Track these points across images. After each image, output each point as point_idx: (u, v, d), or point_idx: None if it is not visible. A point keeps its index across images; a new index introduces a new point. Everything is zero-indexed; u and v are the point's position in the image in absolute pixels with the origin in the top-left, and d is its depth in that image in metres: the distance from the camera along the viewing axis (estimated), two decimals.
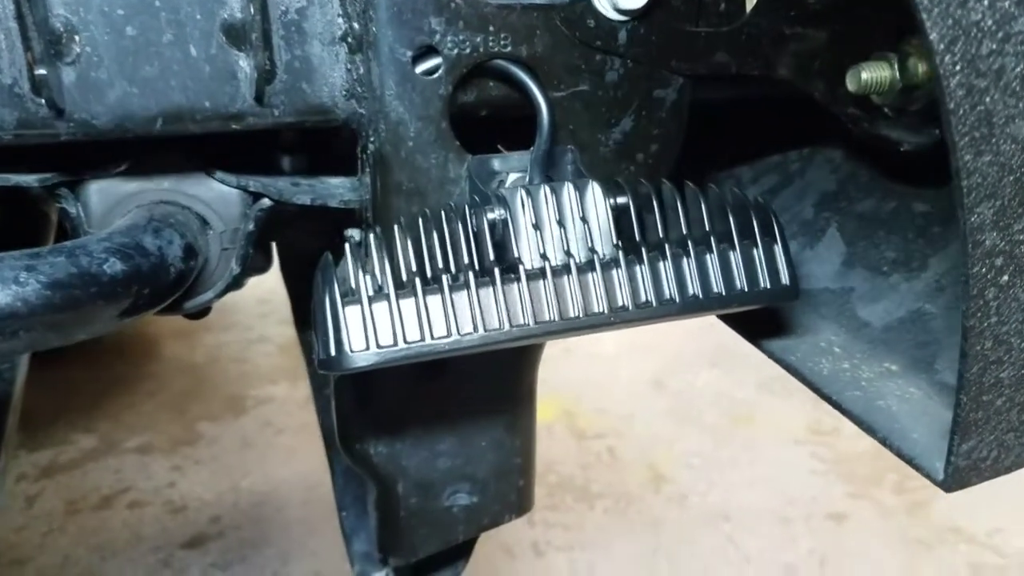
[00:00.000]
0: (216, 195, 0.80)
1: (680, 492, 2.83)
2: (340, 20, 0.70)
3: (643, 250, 0.66)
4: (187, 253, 0.75)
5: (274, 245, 1.26)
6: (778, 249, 0.69)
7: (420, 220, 0.67)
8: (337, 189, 0.82)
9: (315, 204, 0.79)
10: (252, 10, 0.65)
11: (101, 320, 0.67)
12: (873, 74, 0.74)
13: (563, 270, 0.65)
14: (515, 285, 0.63)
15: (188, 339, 4.03)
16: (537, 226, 0.66)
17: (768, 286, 0.68)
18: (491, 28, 0.70)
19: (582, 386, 3.36)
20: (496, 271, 0.63)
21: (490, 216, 0.67)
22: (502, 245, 0.67)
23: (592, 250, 0.66)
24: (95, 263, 0.66)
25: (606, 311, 0.64)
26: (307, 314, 1.19)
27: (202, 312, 0.86)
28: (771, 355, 0.77)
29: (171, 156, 0.78)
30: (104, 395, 3.56)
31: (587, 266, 0.65)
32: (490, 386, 0.80)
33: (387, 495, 0.80)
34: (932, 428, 0.64)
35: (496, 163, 0.73)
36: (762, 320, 0.80)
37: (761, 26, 0.75)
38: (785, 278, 0.69)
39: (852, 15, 0.76)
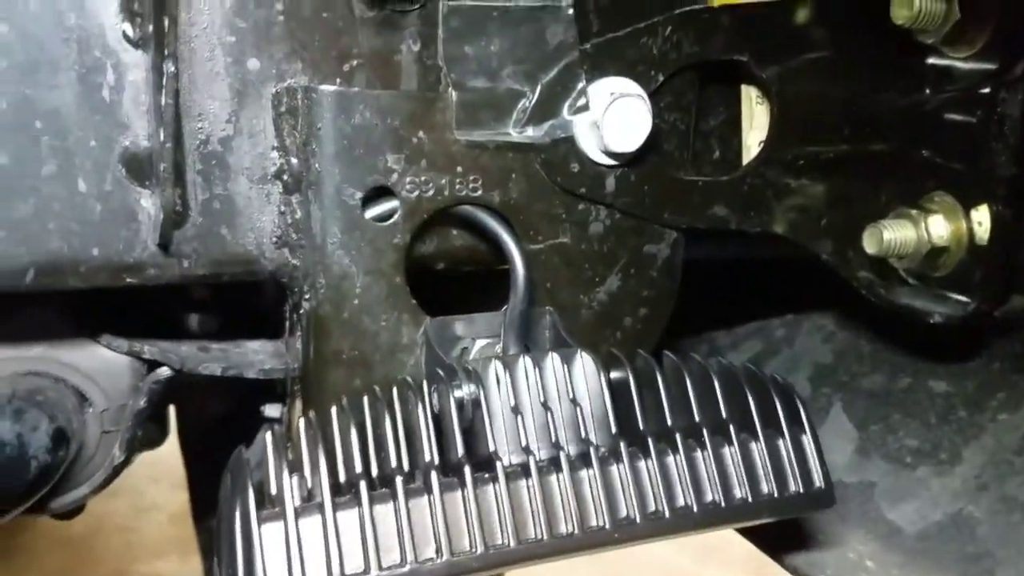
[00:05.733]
0: (100, 364, 0.64)
1: None
2: (275, 154, 0.57)
3: (649, 441, 0.52)
4: (56, 441, 0.58)
5: (172, 409, 1.07)
6: (807, 440, 0.56)
7: (366, 400, 0.52)
8: (256, 355, 0.66)
9: (227, 375, 0.64)
10: (162, 138, 0.51)
11: None
12: (896, 234, 0.64)
13: (551, 467, 0.50)
14: (491, 488, 0.49)
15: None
16: (517, 410, 0.52)
17: (800, 490, 0.55)
18: (459, 169, 0.58)
19: None
20: (467, 470, 0.48)
21: (458, 394, 0.53)
22: (472, 434, 0.52)
23: (586, 441, 0.52)
24: None
25: (608, 525, 0.49)
26: (203, 483, 0.99)
27: (74, 511, 0.68)
28: (794, 571, 0.63)
29: (44, 314, 0.62)
30: None
31: (580, 461, 0.51)
32: None
33: None
34: None
35: (459, 327, 0.60)
36: (777, 526, 0.66)
37: (765, 177, 0.65)
38: (819, 479, 0.56)
39: (867, 167, 0.67)
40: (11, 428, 0.54)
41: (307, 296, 0.57)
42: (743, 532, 0.68)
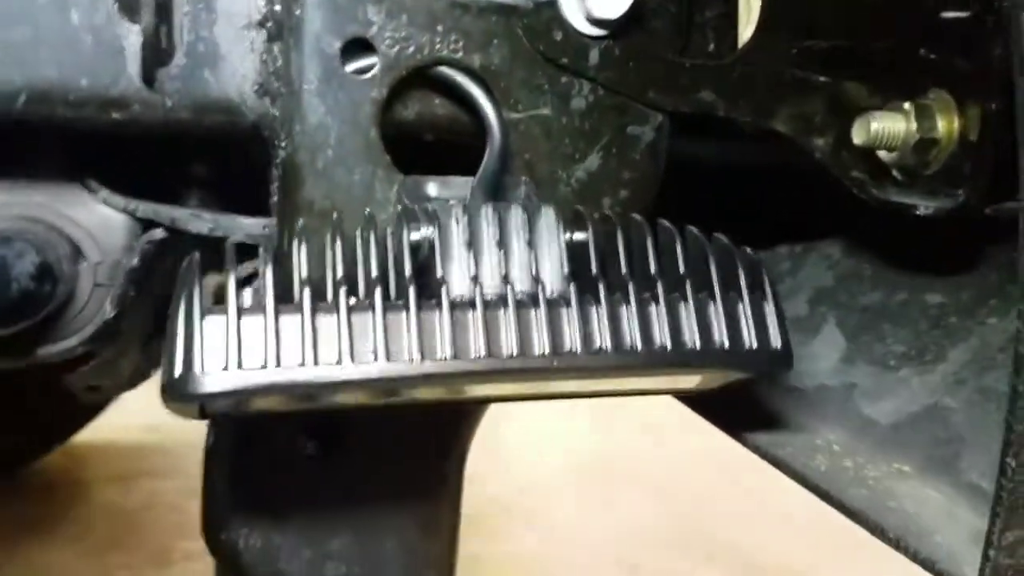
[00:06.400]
0: (97, 220, 0.67)
1: None
2: (260, 1, 0.59)
3: (601, 288, 0.52)
4: (41, 273, 0.60)
5: None
6: (768, 307, 0.55)
7: (327, 234, 0.53)
8: (244, 225, 0.68)
9: (214, 235, 0.66)
10: None
11: None
12: (885, 124, 0.63)
13: (499, 301, 0.51)
14: (435, 311, 0.49)
15: (124, 484, 3.74)
16: (471, 245, 0.53)
17: (755, 346, 0.54)
18: (440, 28, 0.59)
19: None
20: (411, 290, 0.49)
21: (414, 236, 0.54)
22: (425, 271, 0.53)
23: (538, 280, 0.52)
24: None
25: (547, 353, 0.50)
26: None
27: (75, 361, 0.70)
28: (755, 449, 0.62)
29: (46, 164, 0.65)
30: (22, 537, 3.26)
31: (530, 299, 0.51)
32: (403, 469, 0.64)
33: None
34: (959, 533, 0.50)
35: (433, 187, 0.61)
36: (744, 411, 0.65)
37: (756, 65, 0.65)
38: (776, 341, 0.55)
39: (864, 62, 0.67)
40: None
41: (283, 144, 0.58)
42: (698, 407, 0.67)
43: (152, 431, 3.38)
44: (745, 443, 0.63)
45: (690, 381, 0.57)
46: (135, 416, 3.06)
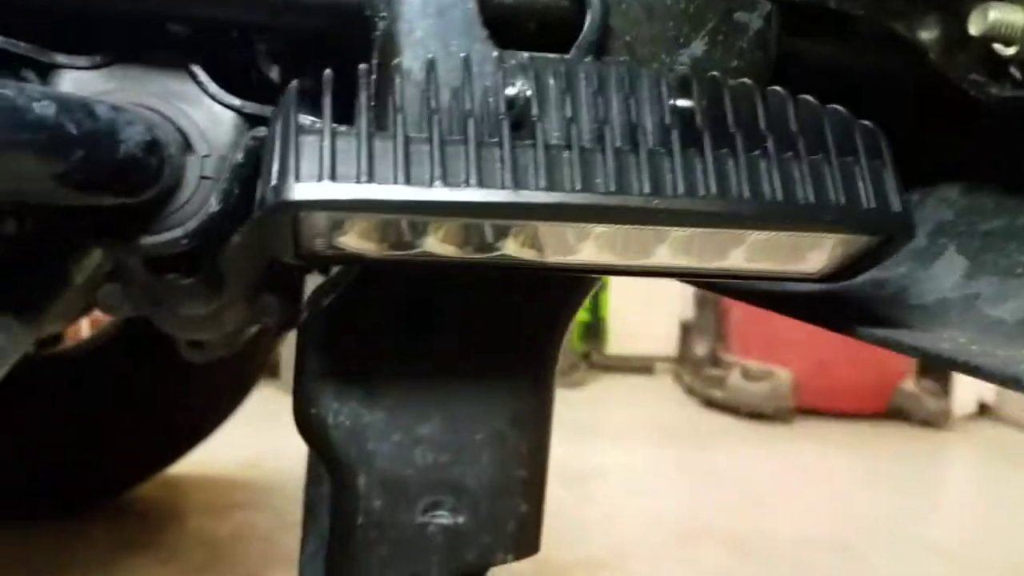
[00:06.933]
0: (206, 114, 0.68)
1: None
2: None
3: (706, 139, 0.50)
4: (149, 147, 0.62)
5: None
6: (888, 174, 0.52)
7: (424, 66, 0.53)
8: None
9: None
10: None
11: (25, 172, 0.54)
12: (1004, 15, 0.60)
13: (597, 144, 0.49)
14: (529, 147, 0.48)
15: (218, 513, 3.82)
16: (568, 93, 0.52)
17: (873, 206, 0.51)
18: None
19: None
20: (505, 125, 0.48)
21: (510, 90, 0.53)
22: (522, 124, 0.52)
23: (637, 127, 0.50)
24: (24, 97, 0.53)
25: (648, 192, 0.47)
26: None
27: (178, 261, 0.71)
28: (870, 337, 0.58)
29: (162, 55, 0.67)
30: (119, 556, 3.34)
31: (627, 142, 0.49)
32: (494, 359, 0.62)
33: (343, 491, 0.60)
34: None
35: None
36: (859, 316, 0.61)
37: None
38: (896, 204, 0.51)
39: None
40: (107, 112, 0.58)
41: (383, 15, 0.59)
42: (818, 319, 0.63)
43: (249, 467, 3.43)
44: (859, 336, 0.59)
45: (809, 260, 0.54)
46: (233, 451, 3.12)
